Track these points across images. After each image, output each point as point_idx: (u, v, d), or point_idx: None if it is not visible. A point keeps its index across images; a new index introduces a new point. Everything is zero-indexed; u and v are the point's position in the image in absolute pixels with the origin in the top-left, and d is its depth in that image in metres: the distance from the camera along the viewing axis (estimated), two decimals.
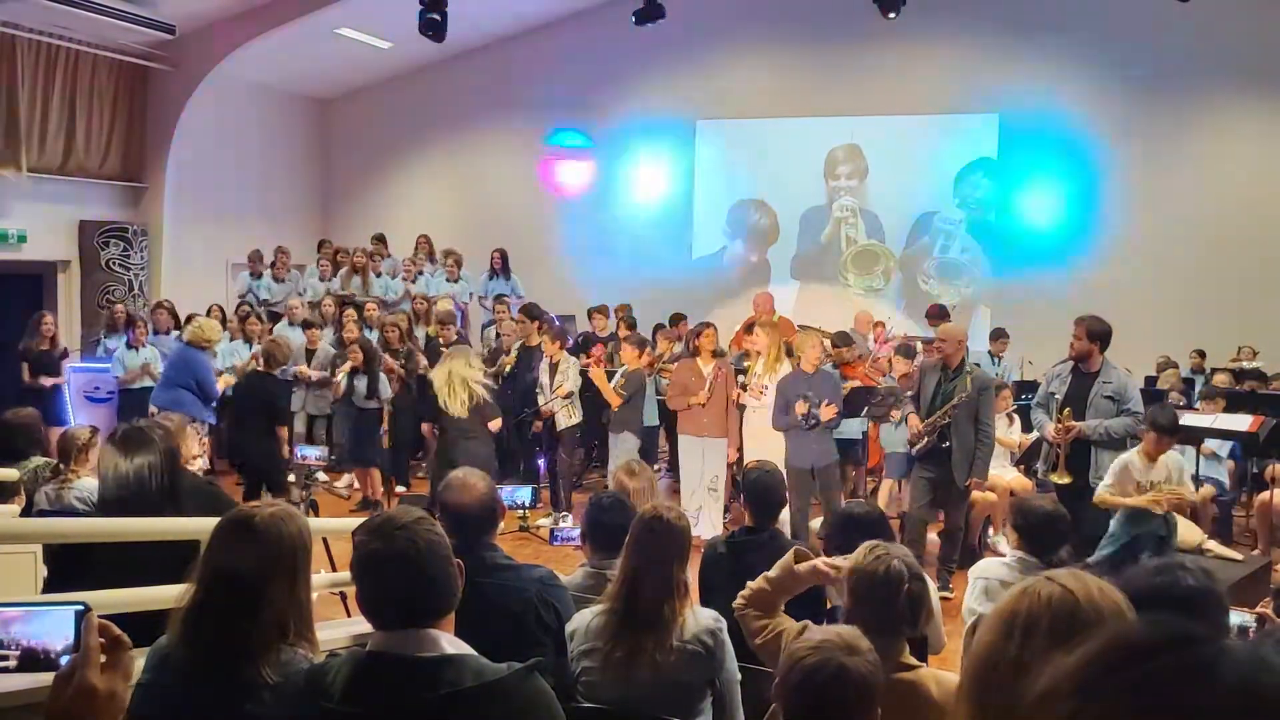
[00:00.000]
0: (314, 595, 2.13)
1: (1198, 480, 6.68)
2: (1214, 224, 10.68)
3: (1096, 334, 5.67)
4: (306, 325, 9.23)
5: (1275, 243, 10.47)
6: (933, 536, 6.50)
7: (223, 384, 7.73)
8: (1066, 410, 5.61)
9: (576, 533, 4.11)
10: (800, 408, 6.42)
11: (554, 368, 7.52)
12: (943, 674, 2.39)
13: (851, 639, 1.99)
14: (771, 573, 2.78)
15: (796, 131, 12.20)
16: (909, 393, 6.57)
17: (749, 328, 8.46)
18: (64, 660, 1.35)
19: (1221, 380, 8.31)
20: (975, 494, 6.34)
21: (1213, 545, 6.25)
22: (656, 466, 8.29)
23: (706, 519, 7.03)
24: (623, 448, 7.31)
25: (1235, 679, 0.67)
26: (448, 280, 10.84)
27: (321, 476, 8.42)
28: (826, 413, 6.41)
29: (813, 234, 12.40)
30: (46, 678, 1.32)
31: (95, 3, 9.95)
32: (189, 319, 8.51)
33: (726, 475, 7.30)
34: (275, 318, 9.95)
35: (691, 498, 7.15)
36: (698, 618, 2.80)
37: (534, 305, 8.26)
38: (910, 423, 6.16)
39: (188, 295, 10.72)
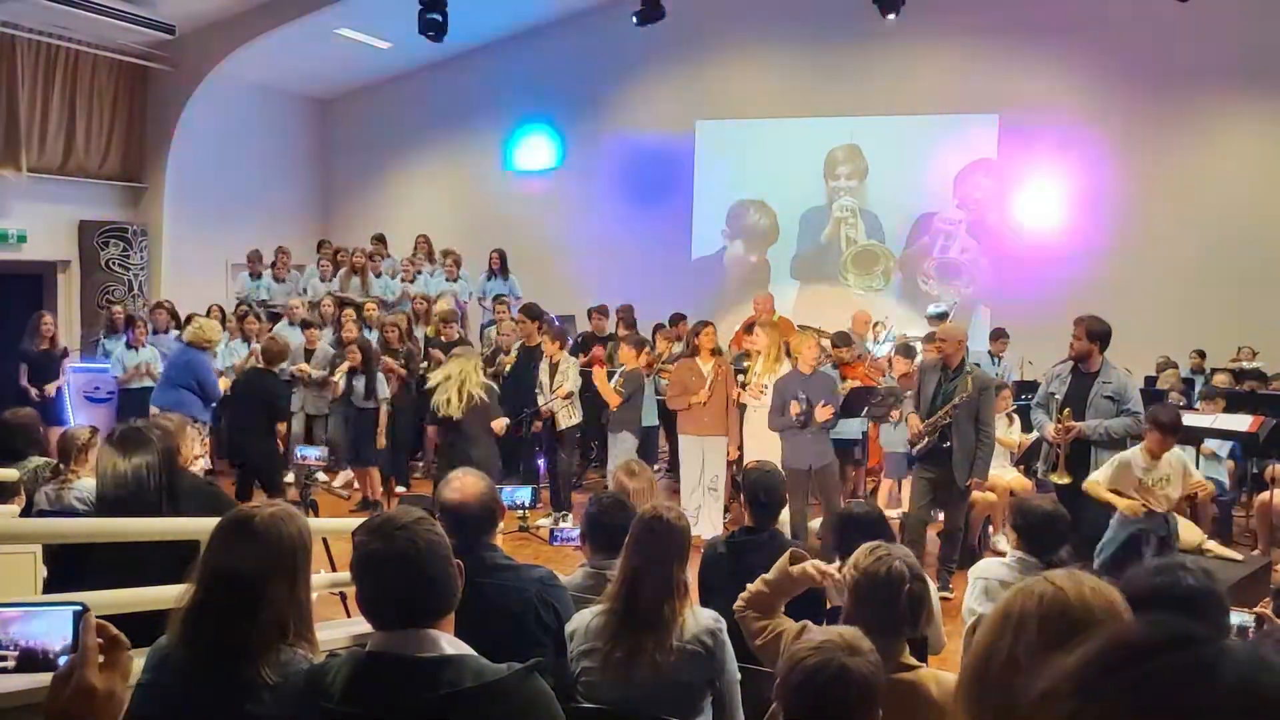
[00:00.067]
0: (314, 595, 2.13)
1: None
2: (1214, 224, 10.68)
3: (1096, 334, 5.67)
4: (305, 325, 9.23)
5: (1275, 243, 10.47)
6: (932, 536, 6.51)
7: (224, 384, 7.73)
8: (1066, 410, 5.61)
9: (576, 533, 4.11)
10: (795, 408, 6.42)
11: (554, 368, 7.52)
12: (943, 674, 2.39)
13: (853, 639, 1.99)
14: (769, 575, 2.79)
15: (796, 131, 12.20)
16: (909, 393, 6.57)
17: (749, 328, 8.47)
18: (62, 661, 1.35)
19: (1221, 380, 8.32)
20: (975, 494, 6.34)
21: (1213, 545, 6.26)
22: (656, 466, 8.29)
23: (706, 519, 7.04)
24: (621, 447, 7.31)
25: (1235, 679, 0.67)
26: (447, 280, 10.84)
27: (321, 476, 8.42)
28: (822, 414, 6.41)
29: (813, 234, 12.40)
30: (45, 678, 1.32)
31: (95, 3, 9.96)
32: (189, 319, 8.51)
33: (726, 475, 7.30)
34: (275, 318, 9.95)
35: (691, 497, 7.15)
36: (698, 618, 2.80)
37: (534, 305, 8.26)
38: (910, 423, 6.16)
39: (187, 295, 10.72)
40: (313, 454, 6.45)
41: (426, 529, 1.84)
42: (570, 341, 8.91)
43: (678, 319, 9.85)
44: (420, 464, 9.30)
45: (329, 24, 11.39)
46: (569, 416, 7.54)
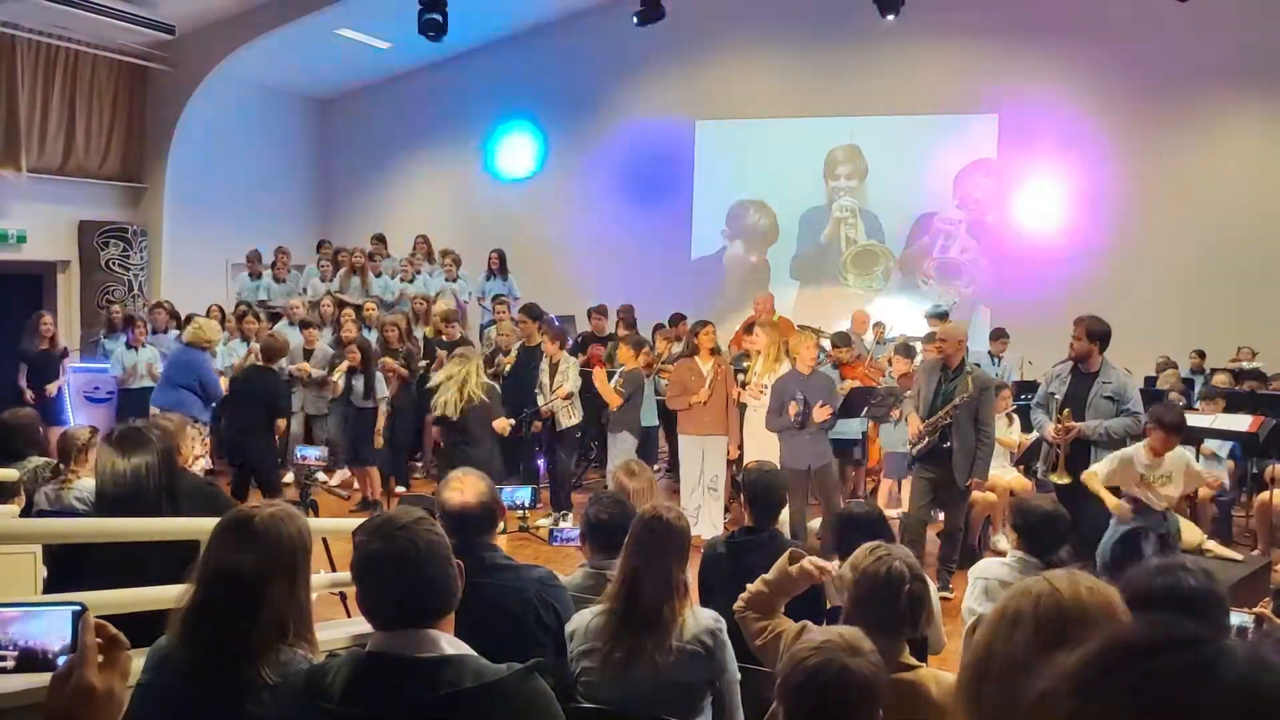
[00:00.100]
0: (314, 595, 2.13)
1: None
2: (1214, 224, 10.68)
3: (1096, 334, 5.66)
4: (304, 325, 9.24)
5: (1275, 243, 10.47)
6: (932, 536, 6.51)
7: (223, 384, 7.73)
8: (1066, 410, 5.61)
9: (576, 533, 4.10)
10: (793, 409, 6.42)
11: (554, 368, 7.52)
12: (943, 674, 2.39)
13: (854, 640, 1.99)
14: (769, 575, 2.78)
15: (796, 131, 12.20)
16: (909, 393, 6.57)
17: (749, 327, 8.46)
18: (62, 661, 1.35)
19: (1221, 380, 8.31)
20: (975, 494, 6.34)
21: (1213, 545, 6.26)
22: (656, 466, 8.29)
23: (706, 519, 7.04)
24: (620, 447, 7.31)
25: (1235, 679, 0.67)
26: (446, 280, 10.84)
27: (321, 477, 8.43)
28: (820, 414, 6.41)
29: (812, 234, 12.40)
30: (44, 678, 1.32)
31: (95, 3, 9.96)
32: (188, 319, 8.51)
33: (726, 475, 7.30)
34: (275, 318, 9.95)
35: (691, 497, 7.15)
36: (697, 618, 2.79)
37: (534, 305, 8.26)
38: (910, 423, 6.16)
39: (187, 295, 10.73)
40: (312, 454, 6.44)
41: (426, 529, 1.84)
42: (570, 341, 8.92)
43: (677, 319, 9.85)
44: (420, 464, 9.30)
45: (329, 24, 11.39)
46: (569, 417, 7.54)
